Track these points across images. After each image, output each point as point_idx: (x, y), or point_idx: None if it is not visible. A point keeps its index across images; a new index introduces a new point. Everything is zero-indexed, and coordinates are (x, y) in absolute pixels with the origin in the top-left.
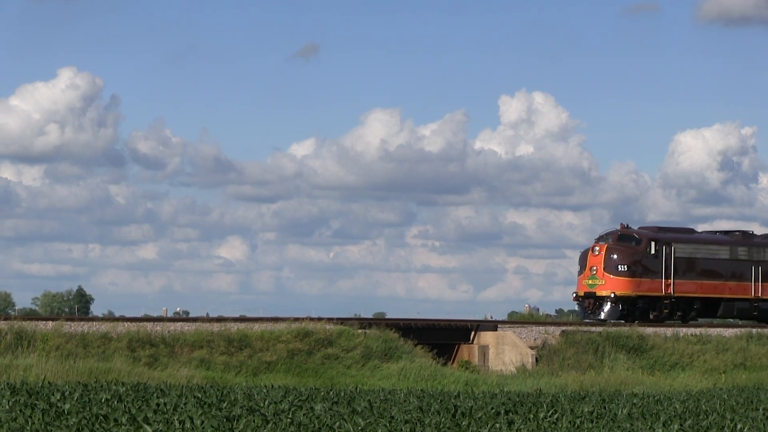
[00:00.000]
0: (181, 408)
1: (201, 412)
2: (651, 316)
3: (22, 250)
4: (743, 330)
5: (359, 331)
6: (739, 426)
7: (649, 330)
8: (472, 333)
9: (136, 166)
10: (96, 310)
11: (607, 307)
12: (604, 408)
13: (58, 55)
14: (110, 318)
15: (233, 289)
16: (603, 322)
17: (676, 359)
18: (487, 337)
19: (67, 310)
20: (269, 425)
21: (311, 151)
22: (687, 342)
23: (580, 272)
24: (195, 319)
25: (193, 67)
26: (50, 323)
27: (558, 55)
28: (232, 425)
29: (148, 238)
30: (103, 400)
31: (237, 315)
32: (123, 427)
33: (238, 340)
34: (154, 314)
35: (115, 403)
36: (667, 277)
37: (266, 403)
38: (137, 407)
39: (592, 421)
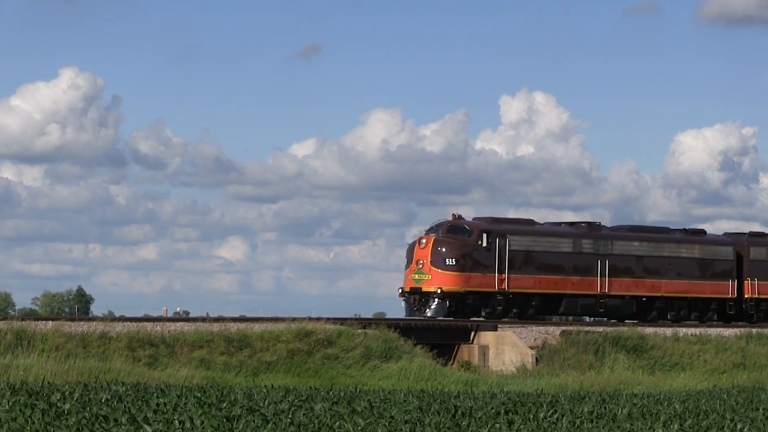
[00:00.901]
0: (181, 408)
1: (201, 412)
2: (483, 314)
3: (22, 250)
4: (743, 330)
5: (359, 331)
6: (739, 426)
7: (649, 330)
8: (472, 333)
9: (136, 166)
10: (96, 310)
11: (433, 303)
12: (604, 408)
13: (60, 55)
14: (110, 318)
15: (233, 289)
16: (433, 320)
17: (676, 359)
18: (487, 337)
19: (67, 310)
20: (269, 425)
21: (312, 151)
22: (687, 342)
23: (407, 266)
24: (195, 319)
25: (194, 67)
26: (50, 323)
27: (559, 55)
28: (232, 425)
29: (148, 238)
30: (103, 400)
31: (237, 315)
32: (123, 427)
33: (238, 340)
34: (154, 314)
35: (115, 403)
36: (501, 272)
37: (266, 403)
38: (137, 407)
39: (592, 421)
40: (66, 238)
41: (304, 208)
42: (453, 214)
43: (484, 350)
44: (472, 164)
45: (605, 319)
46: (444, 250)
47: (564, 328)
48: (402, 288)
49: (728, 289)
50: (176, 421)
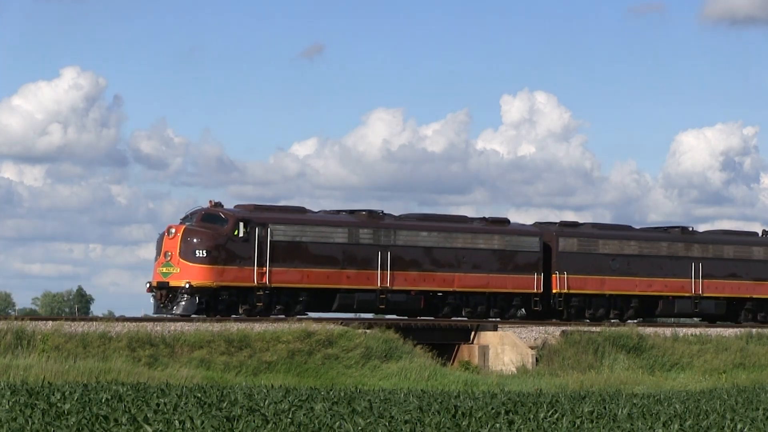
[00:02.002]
0: (181, 408)
1: (201, 412)
2: (241, 311)
3: (23, 250)
4: (743, 330)
5: (359, 331)
6: (739, 426)
7: (649, 330)
8: (472, 333)
9: (138, 166)
10: (96, 310)
11: (182, 300)
12: (604, 408)
13: (62, 54)
14: (110, 318)
15: None
16: (187, 318)
17: (676, 359)
18: (487, 337)
19: (67, 310)
20: (269, 425)
21: (313, 150)
22: (687, 342)
23: (156, 258)
24: (195, 319)
25: (195, 68)
26: (50, 323)
27: (561, 54)
28: (232, 425)
29: (149, 238)
30: (103, 400)
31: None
32: (123, 427)
33: (238, 340)
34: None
35: (115, 403)
36: (261, 265)
37: (266, 403)
38: (137, 407)
39: (592, 421)
40: (67, 238)
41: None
42: (210, 201)
43: (484, 350)
44: (473, 164)
45: (386, 316)
46: (195, 240)
47: (564, 328)
48: (150, 282)
49: (533, 283)
50: (176, 421)
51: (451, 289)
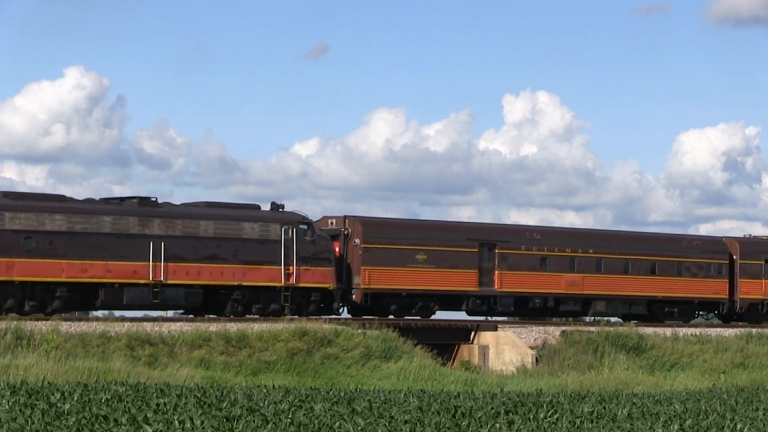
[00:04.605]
0: (181, 408)
1: (201, 412)
2: None
3: None
4: (743, 330)
5: (359, 330)
6: (739, 426)
7: (649, 330)
8: (472, 333)
9: (140, 167)
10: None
11: None
12: (604, 408)
13: (66, 54)
14: (110, 318)
15: None
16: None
17: (676, 359)
18: (487, 337)
19: None
20: (269, 425)
21: (315, 150)
22: (686, 342)
23: None
24: (194, 319)
25: (198, 68)
26: (49, 323)
27: (564, 54)
28: (232, 425)
29: None
30: (103, 400)
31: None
32: (123, 427)
33: (237, 339)
34: (154, 314)
35: (115, 403)
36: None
37: (266, 403)
38: (137, 407)
39: (592, 421)
40: None
41: (306, 208)
42: None
43: (484, 350)
44: (475, 164)
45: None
46: None
47: (564, 328)
48: None
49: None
50: (176, 421)
51: (236, 283)
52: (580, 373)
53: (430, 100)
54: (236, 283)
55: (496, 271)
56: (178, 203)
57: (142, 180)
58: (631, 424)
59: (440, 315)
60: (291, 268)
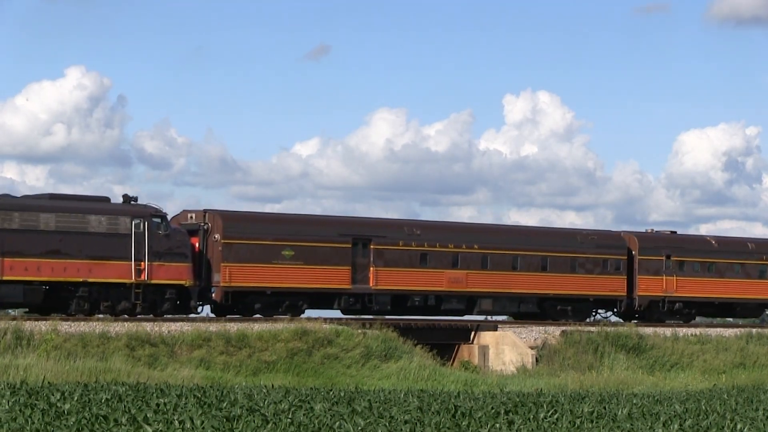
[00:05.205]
0: (181, 408)
1: (201, 412)
2: None
3: None
4: (743, 330)
5: (359, 330)
6: (739, 426)
7: (649, 330)
8: (472, 333)
9: (141, 167)
10: None
11: None
12: (604, 408)
13: (68, 54)
14: (110, 318)
15: None
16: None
17: (676, 359)
18: (487, 337)
19: None
20: (269, 425)
21: (316, 150)
22: (686, 342)
23: None
24: (194, 319)
25: (199, 68)
26: (49, 323)
27: (565, 54)
28: (232, 425)
29: None
30: (102, 400)
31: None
32: (123, 427)
33: (237, 339)
34: (324, 316)
35: (115, 403)
36: None
37: (266, 403)
38: (137, 407)
39: (592, 421)
40: None
41: (307, 208)
42: None
43: (484, 350)
44: (476, 164)
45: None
46: None
47: (564, 328)
48: None
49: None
50: (176, 421)
51: (81, 280)
52: (580, 373)
53: (430, 100)
54: (81, 280)
55: (372, 268)
56: (19, 195)
57: (143, 180)
58: (631, 424)
59: (310, 313)
60: (143, 263)
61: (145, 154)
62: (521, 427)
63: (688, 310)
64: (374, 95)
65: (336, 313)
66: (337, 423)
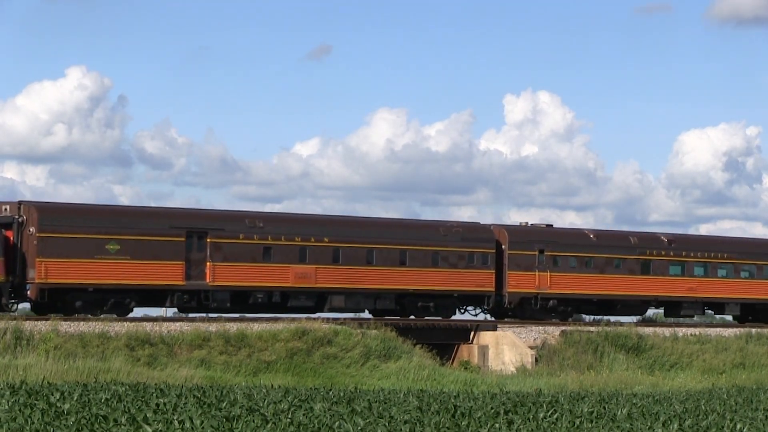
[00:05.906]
0: (181, 408)
1: (201, 412)
2: None
3: None
4: (743, 330)
5: (358, 330)
6: (738, 426)
7: (649, 330)
8: (472, 333)
9: (142, 167)
10: None
11: None
12: (604, 408)
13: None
14: (109, 318)
15: None
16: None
17: (676, 359)
18: (486, 337)
19: None
20: (269, 425)
21: (316, 150)
22: (686, 342)
23: None
24: (194, 319)
25: (199, 68)
26: (49, 323)
27: (565, 54)
28: (232, 425)
29: None
30: (102, 400)
31: (236, 314)
32: (123, 427)
33: (236, 339)
34: (153, 314)
35: (115, 403)
36: None
37: (266, 403)
38: (137, 407)
39: (591, 421)
40: None
41: (307, 208)
42: None
43: (483, 350)
44: (476, 164)
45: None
46: None
47: (564, 328)
48: None
49: None
50: (176, 421)
51: None
52: (579, 373)
53: (431, 100)
54: None
55: (208, 263)
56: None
57: (144, 180)
58: (631, 424)
59: (138, 311)
60: None
61: (145, 154)
62: (521, 426)
63: (563, 308)
64: (375, 95)
65: (172, 310)
66: (337, 423)
